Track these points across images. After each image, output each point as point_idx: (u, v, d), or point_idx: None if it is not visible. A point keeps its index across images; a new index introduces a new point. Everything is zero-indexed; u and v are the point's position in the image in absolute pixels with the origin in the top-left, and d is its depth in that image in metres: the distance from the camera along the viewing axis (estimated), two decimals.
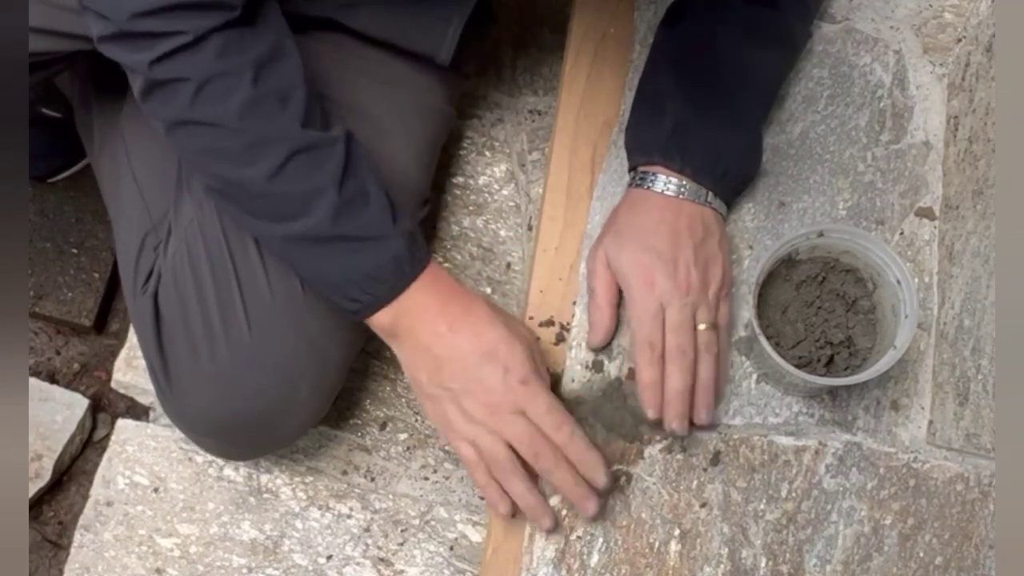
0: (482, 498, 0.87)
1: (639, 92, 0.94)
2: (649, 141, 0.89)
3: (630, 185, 0.91)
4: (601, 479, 0.81)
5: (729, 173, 0.89)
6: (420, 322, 0.81)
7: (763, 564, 0.83)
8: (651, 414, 0.84)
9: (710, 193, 0.89)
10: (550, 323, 0.92)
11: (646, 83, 0.94)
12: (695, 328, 0.85)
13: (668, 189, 0.87)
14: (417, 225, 0.84)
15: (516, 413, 0.80)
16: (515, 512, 0.82)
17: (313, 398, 0.91)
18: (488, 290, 1.11)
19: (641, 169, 0.90)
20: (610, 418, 0.87)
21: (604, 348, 0.89)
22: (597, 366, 0.89)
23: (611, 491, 0.84)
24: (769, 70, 0.94)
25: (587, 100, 0.99)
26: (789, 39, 0.96)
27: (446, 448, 1.05)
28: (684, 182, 0.88)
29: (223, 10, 0.74)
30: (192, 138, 0.77)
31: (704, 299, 0.86)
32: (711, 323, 0.86)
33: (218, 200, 0.85)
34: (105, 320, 1.32)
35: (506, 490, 0.82)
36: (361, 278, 0.80)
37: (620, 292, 0.88)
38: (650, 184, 0.88)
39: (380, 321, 0.82)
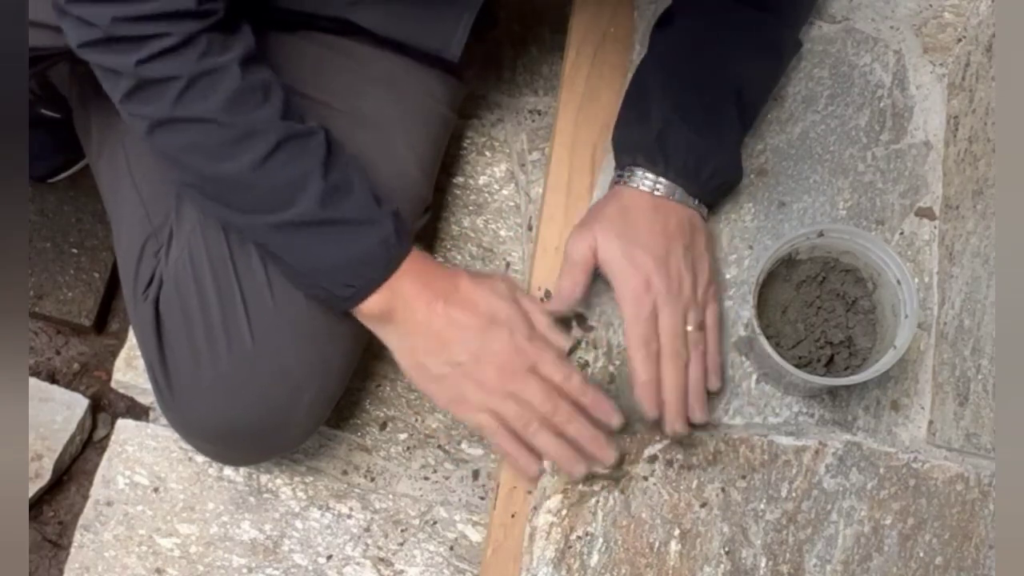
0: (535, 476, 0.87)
1: (628, 92, 0.94)
2: (635, 142, 0.89)
3: (617, 182, 0.90)
4: (617, 419, 0.84)
5: (713, 178, 0.89)
6: (414, 302, 0.82)
7: (763, 564, 0.83)
8: (651, 413, 0.84)
9: (695, 199, 0.89)
10: None
11: (636, 84, 0.94)
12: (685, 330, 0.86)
13: (658, 190, 0.87)
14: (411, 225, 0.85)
15: (529, 372, 0.82)
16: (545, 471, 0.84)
17: (315, 405, 0.91)
18: None
19: (629, 168, 0.89)
20: None
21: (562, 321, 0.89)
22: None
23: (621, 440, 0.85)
24: (757, 78, 0.94)
25: (587, 100, 0.99)
26: (779, 47, 0.96)
27: (446, 448, 1.05)
28: (673, 186, 0.88)
29: (207, 16, 0.76)
30: (176, 136, 0.78)
31: (693, 301, 0.86)
32: (698, 324, 0.86)
33: (198, 199, 0.85)
34: (105, 320, 1.32)
35: (537, 447, 0.83)
36: (352, 262, 0.81)
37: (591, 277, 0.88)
38: (639, 183, 0.88)
39: (373, 307, 0.83)
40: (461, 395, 0.83)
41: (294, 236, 0.81)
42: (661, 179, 0.87)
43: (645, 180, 0.88)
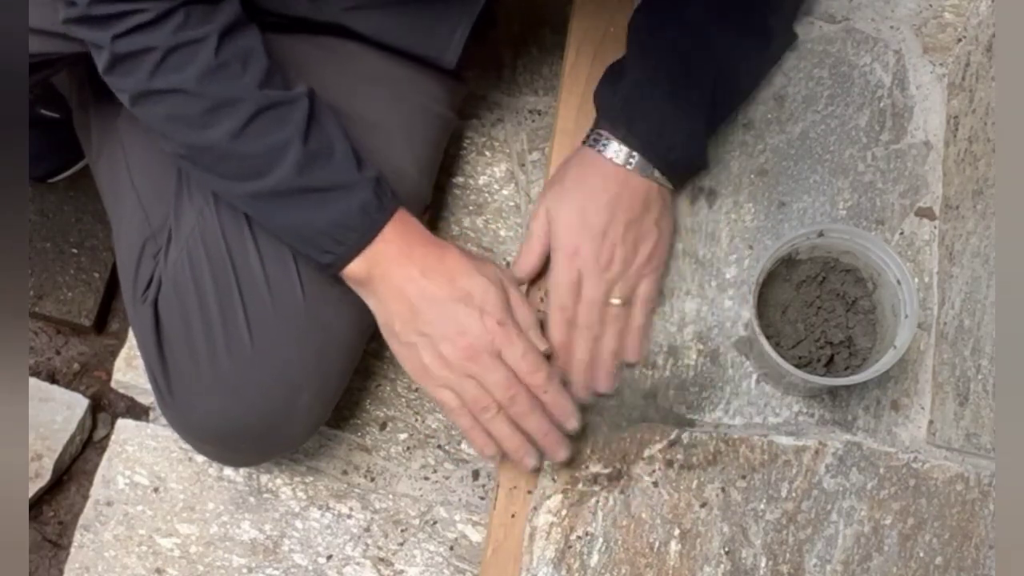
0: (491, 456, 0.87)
1: (613, 62, 0.95)
2: (604, 105, 0.91)
3: (584, 142, 0.91)
4: (573, 423, 0.84)
5: (672, 151, 0.89)
6: (392, 268, 0.83)
7: (763, 564, 0.83)
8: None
9: (656, 170, 0.89)
10: None
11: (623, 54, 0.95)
12: (608, 303, 0.87)
13: (618, 157, 0.88)
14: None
15: (493, 356, 0.82)
16: (501, 454, 0.85)
17: (314, 405, 0.91)
18: None
19: (597, 131, 0.90)
20: (614, 413, 0.87)
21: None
22: None
23: (579, 438, 0.86)
24: (739, 63, 0.93)
25: (587, 100, 0.99)
26: (765, 34, 0.95)
27: (446, 448, 1.05)
28: (633, 153, 0.88)
29: None
30: (156, 107, 0.79)
31: (624, 275, 0.88)
32: (625, 299, 0.88)
33: (186, 166, 0.86)
34: (105, 320, 1.32)
35: (492, 433, 0.83)
36: (331, 228, 0.81)
37: None
38: (602, 148, 0.89)
39: (353, 271, 0.83)
40: (425, 367, 0.83)
41: (273, 203, 0.82)
42: (622, 145, 0.88)
43: (608, 144, 0.89)
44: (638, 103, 0.88)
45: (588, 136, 0.91)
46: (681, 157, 0.90)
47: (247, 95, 0.79)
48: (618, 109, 0.89)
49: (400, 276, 0.82)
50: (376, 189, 0.82)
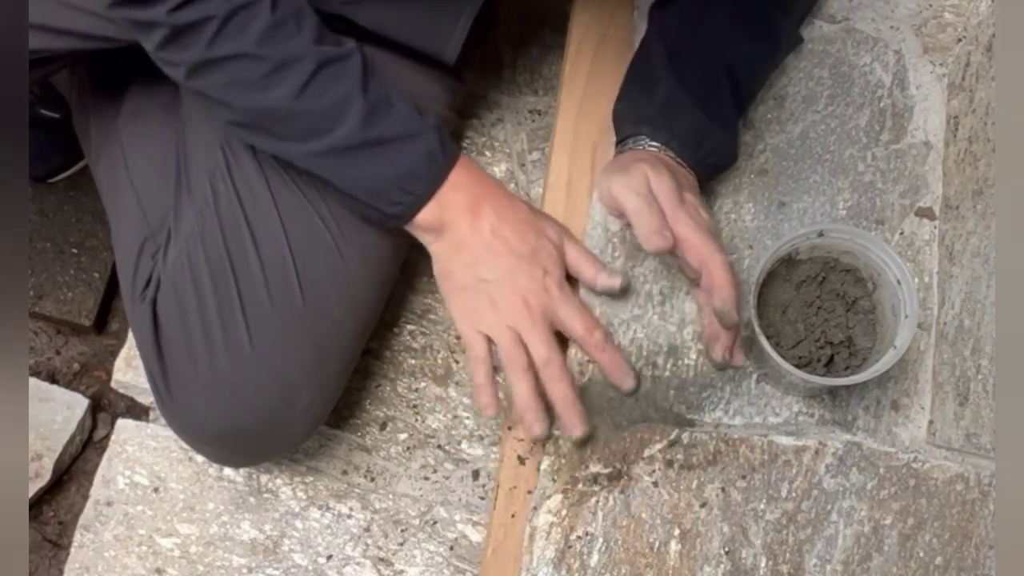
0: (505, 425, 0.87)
1: (631, 69, 0.94)
2: (639, 114, 0.90)
3: (623, 150, 0.90)
4: (631, 382, 0.84)
5: (710, 155, 0.90)
6: (462, 219, 0.83)
7: (763, 564, 0.83)
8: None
9: (690, 170, 0.89)
10: None
11: (638, 60, 0.94)
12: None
13: (659, 151, 0.88)
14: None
15: (544, 316, 0.82)
16: (499, 415, 0.85)
17: (313, 406, 0.91)
18: None
19: (633, 136, 0.89)
20: (614, 413, 0.87)
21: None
22: None
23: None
24: (750, 63, 0.94)
25: (587, 100, 0.99)
26: (774, 36, 0.96)
27: (446, 448, 1.05)
28: (674, 156, 0.88)
29: None
30: (214, 76, 0.79)
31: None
32: None
33: (244, 135, 0.86)
34: (105, 320, 1.32)
35: (513, 388, 0.82)
36: (400, 178, 0.81)
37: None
38: (642, 146, 0.88)
39: (425, 219, 0.83)
40: (474, 310, 0.83)
41: (340, 159, 0.81)
42: (664, 149, 0.88)
43: (651, 147, 0.88)
44: (676, 111, 0.88)
45: (625, 142, 0.90)
46: (716, 161, 0.91)
47: (306, 52, 0.79)
48: (657, 117, 0.88)
49: (468, 228, 0.83)
50: (439, 135, 0.82)
